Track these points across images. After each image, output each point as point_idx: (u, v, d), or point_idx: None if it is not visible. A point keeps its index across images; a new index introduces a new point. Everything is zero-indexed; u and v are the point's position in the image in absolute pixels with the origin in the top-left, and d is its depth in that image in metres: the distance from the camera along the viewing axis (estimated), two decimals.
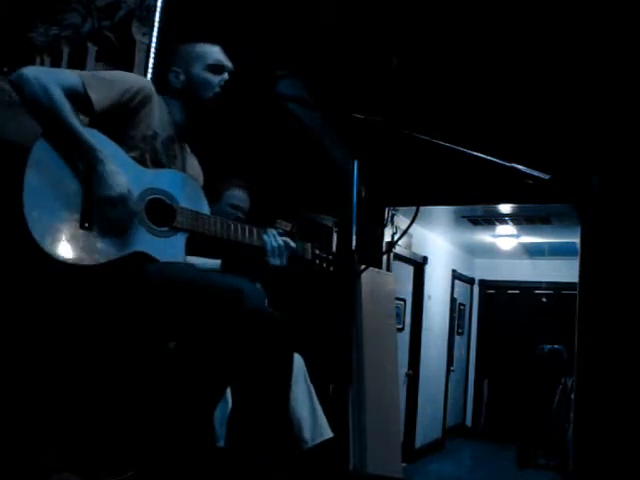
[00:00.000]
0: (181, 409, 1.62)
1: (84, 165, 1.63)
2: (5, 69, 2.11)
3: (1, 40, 2.13)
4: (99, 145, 1.64)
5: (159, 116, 1.83)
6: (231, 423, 1.66)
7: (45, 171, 1.59)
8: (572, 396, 4.91)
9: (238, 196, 2.79)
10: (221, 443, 2.20)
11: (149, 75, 2.61)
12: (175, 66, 1.92)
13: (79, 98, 1.66)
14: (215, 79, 1.89)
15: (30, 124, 1.69)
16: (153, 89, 1.83)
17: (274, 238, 1.94)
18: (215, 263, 2.14)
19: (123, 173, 1.65)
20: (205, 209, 1.88)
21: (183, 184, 1.84)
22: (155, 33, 2.66)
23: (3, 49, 2.13)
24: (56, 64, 2.30)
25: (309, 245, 2.06)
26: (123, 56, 2.53)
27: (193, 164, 2.00)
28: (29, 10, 2.23)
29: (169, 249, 1.75)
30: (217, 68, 1.91)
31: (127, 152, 1.74)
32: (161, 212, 1.75)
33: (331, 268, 2.08)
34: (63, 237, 1.57)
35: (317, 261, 2.07)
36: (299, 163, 3.74)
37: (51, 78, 1.62)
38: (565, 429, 5.92)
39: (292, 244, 1.97)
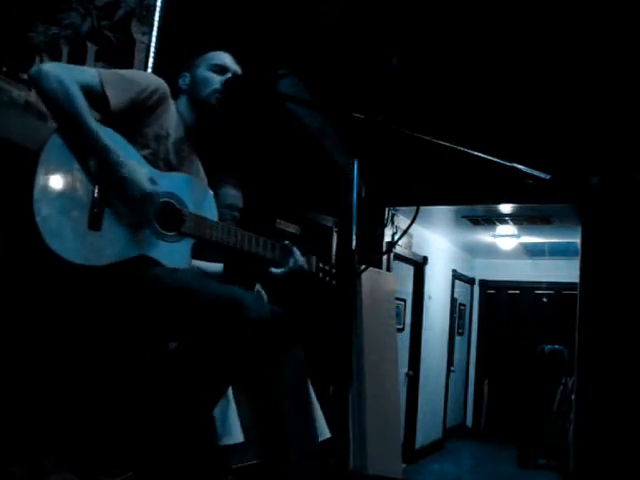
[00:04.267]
0: (180, 410, 1.62)
1: (99, 165, 1.63)
2: (4, 69, 2.11)
3: (1, 40, 2.13)
4: (114, 146, 1.64)
5: (172, 117, 1.86)
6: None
7: (56, 168, 1.59)
8: (573, 396, 4.90)
9: (233, 195, 2.78)
10: (222, 442, 2.19)
11: None
12: (184, 71, 1.96)
13: (96, 96, 1.67)
14: (215, 77, 1.91)
15: (28, 124, 1.69)
16: (168, 90, 1.86)
17: (297, 259, 1.96)
18: (218, 267, 2.14)
19: (141, 168, 1.67)
20: (214, 215, 1.89)
21: (193, 189, 1.84)
22: (155, 32, 2.66)
23: (3, 49, 2.13)
24: None
25: (314, 258, 2.08)
26: (122, 55, 2.53)
27: (199, 167, 2.02)
28: (29, 10, 2.22)
29: (175, 254, 1.75)
30: (219, 68, 1.93)
31: (139, 150, 1.74)
32: (170, 216, 1.75)
33: (333, 282, 2.09)
34: (71, 237, 1.57)
35: (320, 274, 2.08)
36: (299, 163, 3.73)
37: (70, 75, 1.63)
38: (566, 429, 5.91)
39: (305, 266, 2.00)
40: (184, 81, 1.95)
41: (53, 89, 1.59)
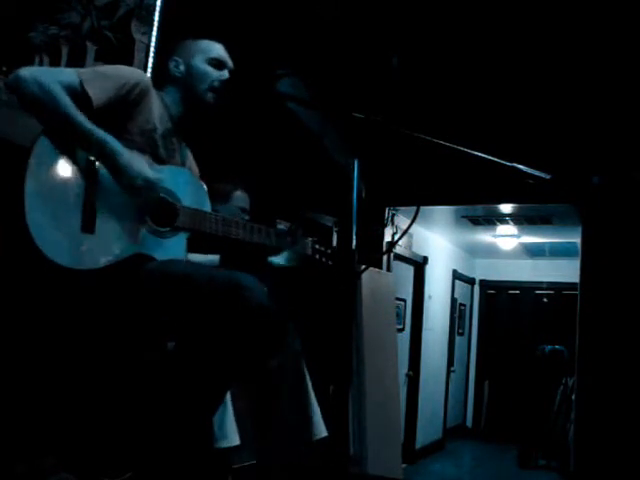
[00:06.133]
0: (180, 410, 1.61)
1: (96, 158, 1.62)
2: (4, 68, 2.10)
3: (1, 40, 2.12)
4: (110, 137, 1.63)
5: (157, 110, 1.83)
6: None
7: (47, 173, 1.57)
8: (573, 397, 4.90)
9: (245, 199, 2.79)
10: (219, 444, 2.19)
11: (148, 74, 2.60)
12: (176, 56, 1.92)
13: (77, 95, 1.64)
14: (214, 73, 1.89)
15: (29, 124, 1.68)
16: (150, 83, 1.82)
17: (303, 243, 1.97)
18: (214, 259, 2.14)
19: (141, 156, 1.67)
20: (207, 206, 1.87)
21: (185, 181, 1.83)
22: (154, 32, 2.66)
23: (2, 49, 2.12)
24: (55, 64, 2.29)
25: (309, 240, 2.06)
26: (122, 55, 2.53)
27: (189, 157, 2.00)
28: (28, 10, 2.22)
29: (170, 250, 1.74)
30: (218, 63, 1.91)
31: (126, 146, 1.71)
32: (163, 211, 1.74)
33: (330, 262, 2.08)
34: (65, 242, 1.55)
35: (317, 256, 2.07)
36: (299, 163, 3.73)
37: (48, 77, 1.61)
38: (566, 430, 5.91)
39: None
40: (177, 68, 1.90)
41: (34, 93, 1.56)
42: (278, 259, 1.97)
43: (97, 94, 1.67)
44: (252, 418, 2.06)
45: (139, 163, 1.65)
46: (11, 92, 1.64)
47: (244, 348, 1.58)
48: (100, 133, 1.62)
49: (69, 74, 1.67)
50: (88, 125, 1.61)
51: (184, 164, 1.93)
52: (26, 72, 1.59)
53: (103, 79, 1.70)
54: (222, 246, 2.04)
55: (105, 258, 1.62)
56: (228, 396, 2.22)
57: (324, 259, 2.08)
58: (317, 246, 2.08)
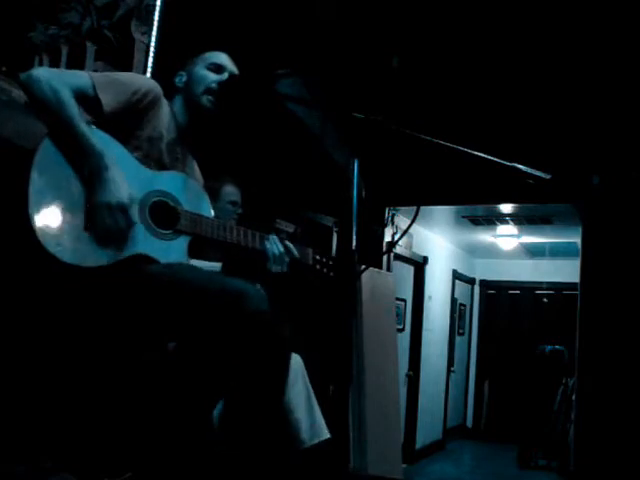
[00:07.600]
0: (180, 410, 1.62)
1: (88, 168, 1.63)
2: (4, 68, 2.11)
3: (1, 40, 2.13)
4: (105, 149, 1.64)
5: (165, 119, 1.85)
6: (224, 422, 1.67)
7: (51, 171, 1.59)
8: (573, 397, 4.90)
9: (234, 192, 2.80)
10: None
11: (148, 74, 2.60)
12: (182, 70, 1.96)
13: (89, 99, 1.67)
14: (211, 76, 1.91)
15: (28, 124, 1.69)
16: (161, 92, 1.85)
17: (276, 245, 1.93)
18: (216, 266, 2.14)
19: (127, 176, 1.66)
20: (208, 211, 1.89)
21: (186, 186, 1.85)
22: (154, 32, 2.66)
23: (3, 49, 2.13)
24: (55, 63, 2.29)
25: (310, 250, 2.06)
26: (122, 55, 2.53)
27: (194, 168, 2.01)
28: (28, 9, 2.22)
29: (172, 252, 1.75)
30: (217, 67, 1.93)
31: (131, 152, 1.74)
32: (164, 214, 1.76)
33: (331, 273, 2.08)
34: (67, 238, 1.57)
35: (317, 266, 2.07)
36: (299, 163, 3.73)
37: (61, 80, 1.63)
38: (566, 430, 5.91)
39: (294, 251, 1.96)
40: (180, 80, 1.94)
41: (44, 94, 1.59)
42: (277, 267, 1.96)
43: (109, 100, 1.69)
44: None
45: (123, 186, 1.63)
46: (22, 89, 1.66)
47: (242, 353, 1.59)
48: (97, 146, 1.62)
49: (82, 78, 1.69)
50: (88, 135, 1.62)
51: (187, 173, 1.94)
52: (39, 72, 1.62)
53: (116, 85, 1.72)
54: (223, 252, 2.04)
55: (107, 257, 1.63)
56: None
57: (325, 270, 2.08)
58: (318, 257, 2.08)
